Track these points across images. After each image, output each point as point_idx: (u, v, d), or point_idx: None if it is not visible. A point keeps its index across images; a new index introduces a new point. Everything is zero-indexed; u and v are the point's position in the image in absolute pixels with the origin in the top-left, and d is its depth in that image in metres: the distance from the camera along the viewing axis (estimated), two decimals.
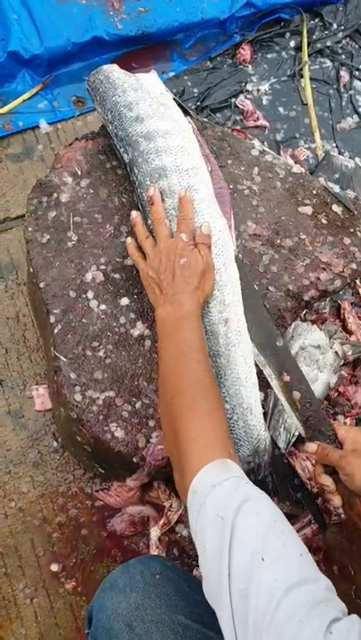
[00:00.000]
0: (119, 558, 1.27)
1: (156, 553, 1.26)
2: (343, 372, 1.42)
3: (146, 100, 1.18)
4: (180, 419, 0.84)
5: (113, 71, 1.24)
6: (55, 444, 1.32)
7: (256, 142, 1.38)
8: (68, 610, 1.22)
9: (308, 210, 1.28)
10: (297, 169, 1.34)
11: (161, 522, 1.26)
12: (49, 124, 1.61)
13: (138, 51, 1.73)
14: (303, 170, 1.35)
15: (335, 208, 1.30)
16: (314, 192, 1.31)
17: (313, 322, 1.37)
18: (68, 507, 1.29)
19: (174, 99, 1.25)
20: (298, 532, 1.29)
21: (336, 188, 1.34)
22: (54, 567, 1.24)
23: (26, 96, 1.61)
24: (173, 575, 0.90)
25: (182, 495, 0.80)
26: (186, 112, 1.27)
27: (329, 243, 1.26)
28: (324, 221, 1.28)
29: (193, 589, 0.88)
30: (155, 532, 1.27)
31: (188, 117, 1.27)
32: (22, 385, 1.35)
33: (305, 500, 1.14)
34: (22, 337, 1.39)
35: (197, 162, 1.15)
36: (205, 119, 1.39)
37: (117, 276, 1.17)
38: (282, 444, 1.21)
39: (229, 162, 1.31)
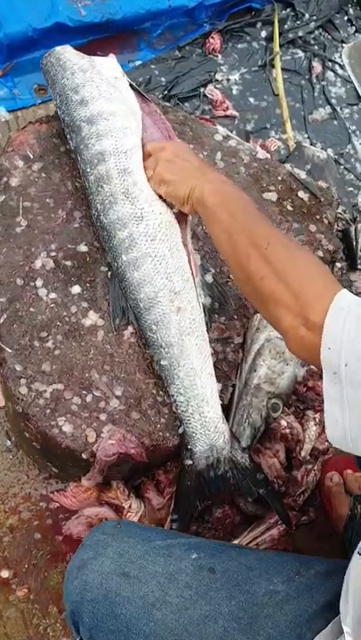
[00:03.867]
0: None
1: None
2: (313, 366, 1.37)
3: (94, 82, 1.13)
4: (292, 258, 0.80)
5: (65, 53, 1.18)
6: (9, 442, 1.25)
7: (220, 127, 1.33)
8: (19, 619, 1.15)
9: (273, 196, 1.23)
10: (262, 154, 1.29)
11: None
12: (9, 111, 1.55)
13: (104, 39, 1.67)
14: (268, 155, 1.30)
15: (301, 194, 1.25)
16: (279, 178, 1.26)
17: None
18: (21, 509, 1.22)
19: (131, 84, 1.19)
20: (264, 533, 1.23)
21: (302, 175, 1.29)
22: (5, 573, 1.17)
23: None
24: (127, 521, 0.96)
25: (297, 329, 0.74)
26: (144, 97, 1.22)
27: (294, 230, 1.21)
28: (289, 208, 1.23)
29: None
30: None
31: (149, 101, 1.22)
32: None
33: (269, 496, 1.09)
34: None
35: (139, 142, 1.10)
36: (167, 103, 1.34)
37: (69, 263, 1.11)
38: (246, 440, 1.15)
39: (191, 146, 1.25)
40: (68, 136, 1.14)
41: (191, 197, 0.96)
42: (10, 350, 1.03)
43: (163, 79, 1.69)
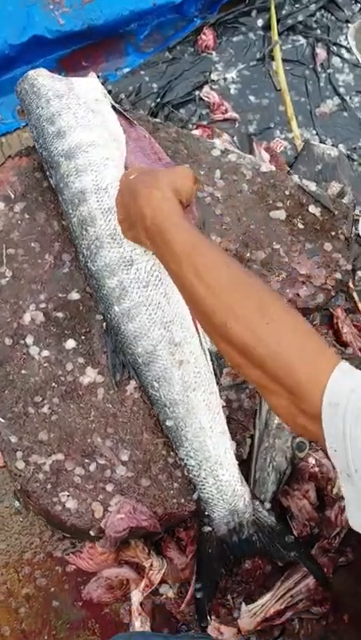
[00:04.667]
0: (98, 630, 1.12)
1: (138, 621, 1.11)
2: None
3: (71, 109, 1.01)
4: (260, 337, 0.64)
5: (38, 77, 1.07)
6: (17, 503, 1.16)
7: (217, 141, 1.21)
8: None
9: (282, 214, 1.11)
10: (266, 167, 1.16)
11: (142, 584, 1.11)
12: None
13: (87, 47, 1.55)
14: (273, 168, 1.17)
15: (312, 209, 1.13)
16: (287, 192, 1.14)
17: None
18: (36, 575, 1.13)
19: (114, 106, 1.08)
20: (299, 582, 1.13)
21: (312, 186, 1.16)
22: None
23: None
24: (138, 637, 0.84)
25: (295, 417, 0.63)
26: (129, 120, 1.10)
27: (308, 251, 1.09)
28: (300, 226, 1.11)
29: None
30: (136, 597, 1.12)
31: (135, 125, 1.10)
32: None
33: (301, 558, 0.98)
34: None
35: (120, 175, 0.99)
36: (157, 119, 1.22)
37: (60, 314, 1.00)
38: (271, 487, 1.05)
39: (186, 166, 1.13)
40: (48, 172, 1.03)
41: (142, 240, 0.84)
42: (2, 420, 0.93)
43: (154, 85, 1.56)
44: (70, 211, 0.97)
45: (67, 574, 1.14)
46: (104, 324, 0.98)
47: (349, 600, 1.17)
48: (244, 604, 1.10)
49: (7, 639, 1.10)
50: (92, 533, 0.91)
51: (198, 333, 0.93)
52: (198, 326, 0.93)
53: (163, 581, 1.11)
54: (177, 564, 1.08)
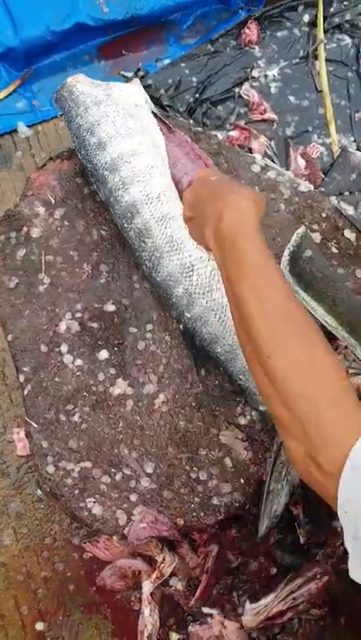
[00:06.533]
0: (109, 615, 1.20)
1: (148, 609, 1.18)
2: None
3: (109, 116, 1.01)
4: (300, 376, 0.63)
5: (76, 84, 1.06)
6: (39, 492, 1.22)
7: (257, 156, 1.20)
8: None
9: (317, 237, 1.12)
10: (304, 187, 1.17)
11: (154, 575, 1.17)
12: (28, 126, 1.44)
13: (128, 35, 1.53)
14: (312, 187, 1.18)
15: (348, 234, 1.14)
16: (323, 215, 1.14)
17: None
18: (54, 560, 1.20)
19: (154, 112, 1.07)
20: (301, 587, 1.20)
21: (350, 210, 1.16)
22: (40, 626, 1.17)
23: (1, 95, 1.44)
24: None
25: (308, 467, 0.62)
26: (169, 127, 1.10)
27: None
28: (333, 250, 1.12)
29: None
30: (147, 587, 1.18)
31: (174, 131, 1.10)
32: (2, 427, 1.25)
33: None
34: (1, 373, 1.28)
35: (169, 181, 1.00)
36: (200, 129, 1.21)
37: (95, 324, 1.03)
38: (285, 498, 1.10)
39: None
40: (95, 186, 1.04)
41: (206, 240, 0.80)
42: (35, 425, 0.98)
43: (194, 79, 1.54)
44: (125, 225, 0.97)
45: (83, 561, 1.20)
46: (180, 326, 1.02)
47: (347, 604, 1.23)
48: (248, 603, 1.17)
49: (25, 617, 1.17)
50: (115, 538, 0.97)
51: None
52: None
53: (173, 574, 1.18)
54: (188, 562, 1.15)
